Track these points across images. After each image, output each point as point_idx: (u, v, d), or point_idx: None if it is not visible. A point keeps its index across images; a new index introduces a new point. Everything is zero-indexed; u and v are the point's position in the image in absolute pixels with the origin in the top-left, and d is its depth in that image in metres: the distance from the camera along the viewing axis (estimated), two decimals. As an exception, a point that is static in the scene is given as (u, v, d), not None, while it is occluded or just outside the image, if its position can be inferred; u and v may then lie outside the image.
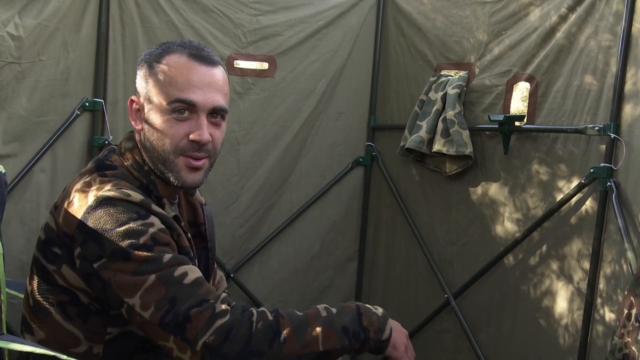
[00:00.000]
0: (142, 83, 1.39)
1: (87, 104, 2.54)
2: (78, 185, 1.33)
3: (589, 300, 2.18)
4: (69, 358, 1.01)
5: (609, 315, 2.09)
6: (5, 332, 1.26)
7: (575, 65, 2.25)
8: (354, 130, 3.07)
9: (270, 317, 1.25)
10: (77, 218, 1.28)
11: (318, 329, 1.26)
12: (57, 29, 2.38)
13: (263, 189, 2.94)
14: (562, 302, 2.32)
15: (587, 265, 2.22)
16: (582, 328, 2.21)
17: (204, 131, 1.35)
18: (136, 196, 1.30)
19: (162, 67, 1.36)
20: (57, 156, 2.49)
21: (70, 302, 1.32)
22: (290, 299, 3.05)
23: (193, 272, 1.26)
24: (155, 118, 1.36)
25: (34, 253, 1.38)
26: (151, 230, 1.26)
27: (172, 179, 1.38)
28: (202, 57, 1.38)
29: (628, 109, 2.07)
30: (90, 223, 1.25)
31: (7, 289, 1.37)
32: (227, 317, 1.21)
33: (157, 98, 1.35)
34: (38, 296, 1.35)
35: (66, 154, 2.52)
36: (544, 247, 2.39)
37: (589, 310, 2.19)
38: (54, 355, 1.03)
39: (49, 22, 2.34)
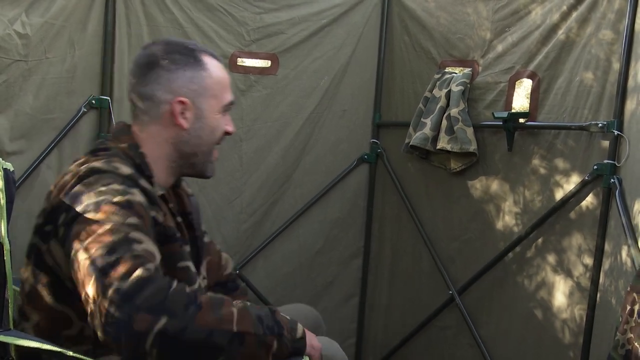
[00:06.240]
0: (190, 85, 1.45)
1: (93, 101, 2.55)
2: (72, 167, 1.38)
3: (591, 297, 2.19)
4: (75, 354, 1.02)
5: (612, 312, 2.10)
6: (12, 327, 1.28)
7: (577, 62, 2.26)
8: (359, 127, 3.06)
9: (188, 290, 1.22)
10: (65, 188, 1.31)
11: (234, 309, 1.23)
12: (64, 26, 2.40)
13: (266, 185, 2.95)
14: (565, 298, 2.32)
15: (590, 261, 2.22)
16: (585, 324, 2.22)
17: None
18: (125, 169, 1.34)
19: (209, 71, 1.47)
20: (63, 153, 2.51)
21: (59, 283, 1.33)
22: (294, 294, 3.06)
23: (149, 245, 1.24)
24: (209, 117, 1.48)
25: (32, 240, 1.40)
26: (129, 196, 1.28)
27: (207, 171, 1.53)
28: (219, 59, 1.52)
29: (631, 106, 2.08)
30: (76, 189, 1.29)
31: (14, 286, 1.38)
32: (149, 272, 1.17)
33: (210, 100, 1.47)
34: (32, 279, 1.37)
35: (73, 151, 2.53)
36: (547, 244, 2.39)
37: (591, 307, 2.20)
38: (59, 352, 1.04)
39: (55, 20, 2.36)
